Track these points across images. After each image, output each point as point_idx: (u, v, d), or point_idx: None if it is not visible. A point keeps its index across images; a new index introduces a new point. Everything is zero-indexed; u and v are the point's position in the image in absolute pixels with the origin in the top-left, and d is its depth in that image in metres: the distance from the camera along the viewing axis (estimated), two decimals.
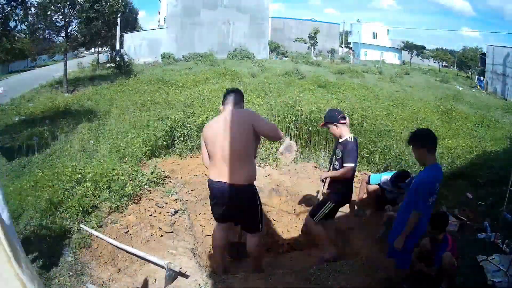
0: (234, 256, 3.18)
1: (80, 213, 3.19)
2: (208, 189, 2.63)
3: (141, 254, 2.73)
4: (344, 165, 3.00)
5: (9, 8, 9.76)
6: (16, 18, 10.46)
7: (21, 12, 10.30)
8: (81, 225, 3.04)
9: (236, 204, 2.52)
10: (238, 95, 2.64)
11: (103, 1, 13.42)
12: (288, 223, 4.19)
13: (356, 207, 4.26)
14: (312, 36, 30.66)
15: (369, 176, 4.35)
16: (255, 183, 2.60)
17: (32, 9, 11.84)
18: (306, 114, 5.92)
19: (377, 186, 4.13)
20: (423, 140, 2.42)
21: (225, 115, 2.55)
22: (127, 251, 2.80)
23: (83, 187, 3.50)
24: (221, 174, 2.46)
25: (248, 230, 2.73)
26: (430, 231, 2.69)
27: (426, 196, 2.35)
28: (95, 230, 3.02)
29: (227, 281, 2.68)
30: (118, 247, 2.82)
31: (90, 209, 3.28)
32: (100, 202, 3.40)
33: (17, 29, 11.38)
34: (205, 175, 4.58)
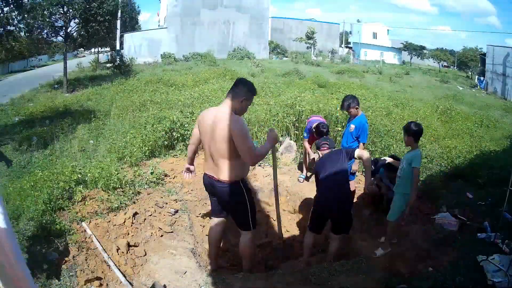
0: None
1: (79, 213, 3.20)
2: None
3: (122, 278, 2.62)
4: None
5: (7, 9, 9.76)
6: (15, 18, 10.47)
7: (20, 11, 10.30)
8: (83, 224, 3.04)
9: (224, 200, 2.62)
10: (240, 88, 2.50)
11: (99, 2, 13.41)
12: (288, 223, 4.19)
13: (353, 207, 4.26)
14: (310, 36, 30.63)
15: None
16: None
17: (31, 9, 11.84)
18: (306, 114, 5.92)
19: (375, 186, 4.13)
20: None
21: (217, 110, 2.50)
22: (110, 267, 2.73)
23: (83, 187, 3.50)
24: (210, 168, 2.59)
25: (240, 227, 2.77)
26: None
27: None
28: (95, 230, 3.02)
29: (227, 281, 2.68)
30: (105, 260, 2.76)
31: (90, 209, 3.27)
32: (100, 202, 3.40)
33: (16, 29, 11.38)
34: None
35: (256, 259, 3.17)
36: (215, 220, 2.86)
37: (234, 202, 2.61)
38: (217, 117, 2.44)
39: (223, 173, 2.48)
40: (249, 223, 2.68)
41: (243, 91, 2.49)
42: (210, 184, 2.62)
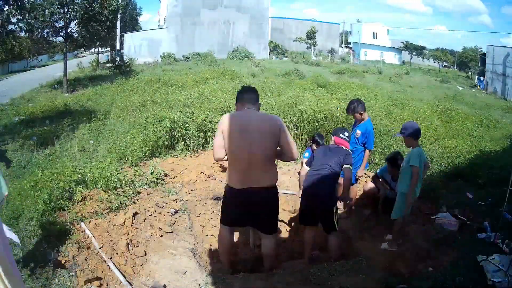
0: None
1: (79, 213, 3.20)
2: (225, 193, 2.60)
3: (122, 278, 2.61)
4: None
5: (7, 8, 9.76)
6: (16, 18, 10.47)
7: (20, 11, 10.29)
8: (82, 224, 3.04)
9: (260, 207, 2.49)
10: (255, 94, 2.55)
11: (100, 2, 13.41)
12: (287, 223, 4.19)
13: (353, 208, 4.26)
14: (311, 36, 30.65)
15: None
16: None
17: (29, 8, 11.83)
18: (308, 114, 5.91)
19: (374, 186, 4.11)
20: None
21: (250, 115, 2.43)
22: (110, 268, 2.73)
23: (83, 187, 3.50)
24: (246, 180, 2.41)
25: (266, 232, 2.68)
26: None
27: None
28: (95, 230, 3.02)
29: (227, 281, 2.68)
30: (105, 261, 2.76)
31: (90, 209, 3.28)
32: (100, 202, 3.40)
33: (16, 29, 11.38)
34: (205, 175, 4.58)
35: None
36: (229, 230, 2.69)
37: (270, 207, 2.54)
38: (253, 120, 2.39)
39: (264, 180, 2.43)
40: (276, 226, 2.67)
41: (257, 97, 2.59)
42: (248, 195, 2.44)
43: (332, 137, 3.34)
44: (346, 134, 3.30)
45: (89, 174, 3.77)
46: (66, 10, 13.04)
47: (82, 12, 12.98)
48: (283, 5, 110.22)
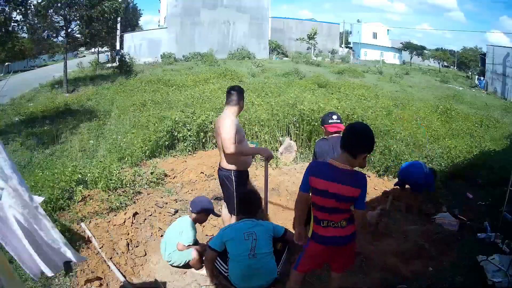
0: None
1: (80, 213, 3.20)
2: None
3: (122, 278, 2.61)
4: None
5: (8, 8, 9.78)
6: (17, 18, 10.49)
7: (21, 11, 10.32)
8: (82, 224, 3.05)
9: (220, 183, 3.03)
10: (230, 95, 2.87)
11: (102, 2, 13.42)
12: (290, 222, 4.19)
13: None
14: (312, 37, 30.64)
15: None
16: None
17: (32, 9, 11.85)
18: (307, 113, 5.91)
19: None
20: None
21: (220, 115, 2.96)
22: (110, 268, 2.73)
23: (83, 187, 3.50)
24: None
25: (228, 209, 3.00)
26: None
27: None
28: (95, 230, 3.02)
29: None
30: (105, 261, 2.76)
31: (90, 209, 3.28)
32: (100, 202, 3.40)
33: (17, 29, 11.40)
34: (205, 175, 4.59)
35: None
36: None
37: (225, 185, 2.93)
38: (218, 119, 2.93)
39: (222, 162, 2.89)
40: (233, 208, 2.90)
41: (231, 96, 2.85)
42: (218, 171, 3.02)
43: (323, 128, 2.82)
44: (335, 117, 2.77)
45: (89, 174, 3.77)
46: (67, 10, 13.05)
47: (82, 12, 12.98)
48: (278, 7, 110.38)
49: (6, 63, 19.64)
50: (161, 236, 3.19)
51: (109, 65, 18.79)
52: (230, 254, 2.41)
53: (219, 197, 4.00)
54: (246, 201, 2.66)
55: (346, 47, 40.96)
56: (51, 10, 12.32)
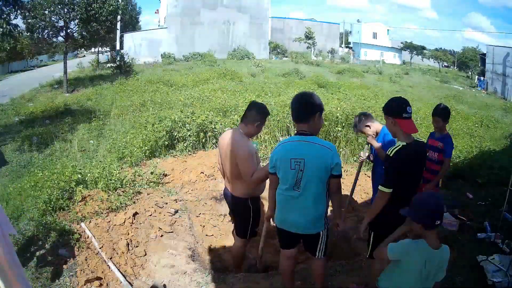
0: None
1: (80, 213, 3.20)
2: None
3: (122, 278, 2.62)
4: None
5: (7, 9, 9.76)
6: (16, 18, 10.47)
7: (21, 11, 10.30)
8: (82, 224, 3.04)
9: (232, 209, 2.84)
10: (252, 113, 2.64)
11: (100, 2, 13.41)
12: None
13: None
14: (309, 36, 30.65)
15: None
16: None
17: (31, 9, 11.85)
18: None
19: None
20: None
21: (231, 134, 2.62)
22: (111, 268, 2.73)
23: (83, 187, 3.50)
24: (227, 183, 2.77)
25: (236, 233, 2.86)
26: None
27: None
28: (95, 230, 3.02)
29: (228, 281, 2.68)
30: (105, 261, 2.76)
31: (90, 209, 3.28)
32: (100, 202, 3.40)
33: (17, 29, 11.37)
34: (205, 175, 4.59)
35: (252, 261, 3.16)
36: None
37: (239, 213, 2.78)
38: (228, 140, 2.59)
39: (234, 189, 2.68)
40: (246, 233, 2.78)
41: (252, 115, 2.64)
42: (225, 194, 2.85)
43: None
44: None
45: (89, 174, 3.77)
46: (66, 10, 13.04)
47: (83, 11, 12.97)
48: (274, 8, 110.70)
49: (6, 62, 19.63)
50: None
51: (109, 65, 18.77)
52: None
53: (219, 198, 4.01)
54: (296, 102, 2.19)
55: (346, 47, 40.97)
56: (47, 10, 12.28)
